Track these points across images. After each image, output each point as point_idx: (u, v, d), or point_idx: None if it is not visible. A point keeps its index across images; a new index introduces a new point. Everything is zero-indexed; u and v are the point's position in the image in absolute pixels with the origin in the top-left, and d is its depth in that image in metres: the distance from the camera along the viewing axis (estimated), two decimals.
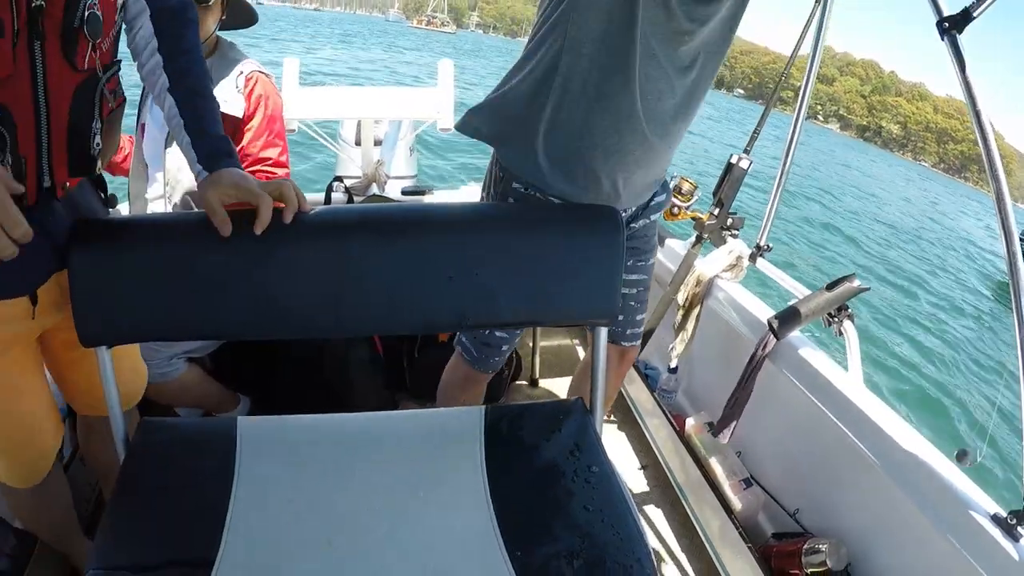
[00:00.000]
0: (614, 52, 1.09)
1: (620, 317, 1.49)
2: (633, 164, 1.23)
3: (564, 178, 1.23)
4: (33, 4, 0.75)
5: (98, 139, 0.91)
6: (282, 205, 0.95)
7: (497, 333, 1.42)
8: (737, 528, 1.55)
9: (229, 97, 1.61)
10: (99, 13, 0.83)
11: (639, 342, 1.57)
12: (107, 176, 1.12)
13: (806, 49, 1.75)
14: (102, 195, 1.10)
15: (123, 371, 1.16)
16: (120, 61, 0.98)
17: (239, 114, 1.63)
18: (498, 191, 1.31)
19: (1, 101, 0.77)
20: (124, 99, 1.03)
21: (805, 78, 1.81)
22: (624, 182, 1.25)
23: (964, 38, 1.10)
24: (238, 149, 1.69)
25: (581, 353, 2.63)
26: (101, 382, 1.04)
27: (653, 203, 1.41)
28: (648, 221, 1.43)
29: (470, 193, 2.72)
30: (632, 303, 1.48)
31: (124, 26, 0.98)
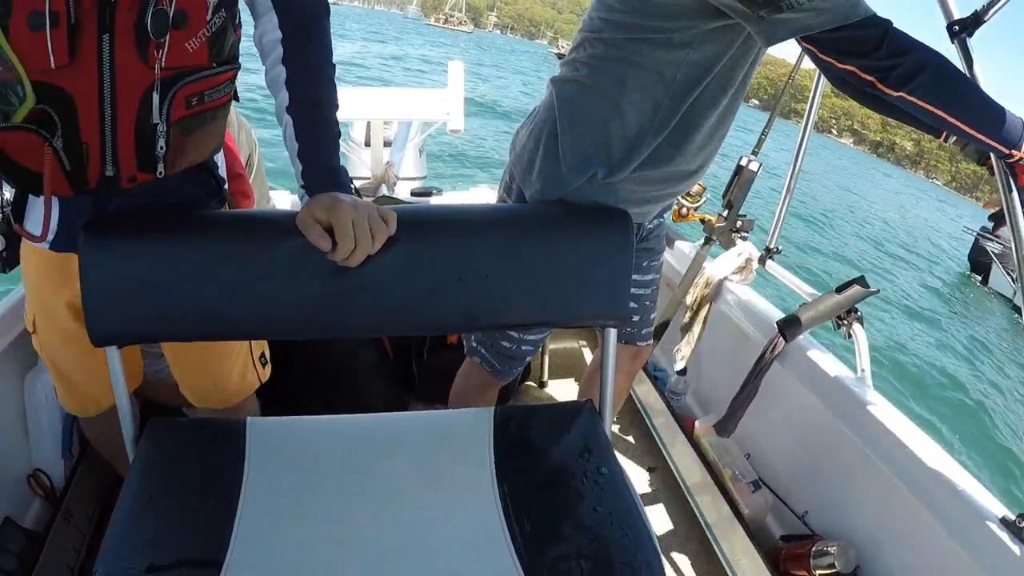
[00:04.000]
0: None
1: (636, 318, 1.51)
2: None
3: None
4: None
5: (162, 142, 0.90)
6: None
7: (523, 347, 1.41)
8: (745, 530, 1.55)
9: None
10: (168, 10, 0.81)
11: (652, 340, 1.58)
12: None
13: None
14: (216, 187, 1.09)
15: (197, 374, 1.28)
16: (215, 66, 0.92)
17: None
18: None
19: (60, 85, 0.80)
20: (220, 101, 0.97)
21: (814, 85, 1.80)
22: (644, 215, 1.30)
23: (974, 41, 1.10)
24: None
25: (589, 355, 2.63)
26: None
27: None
28: (660, 220, 1.46)
29: (479, 194, 2.73)
30: (647, 303, 1.50)
31: (232, 23, 0.94)
